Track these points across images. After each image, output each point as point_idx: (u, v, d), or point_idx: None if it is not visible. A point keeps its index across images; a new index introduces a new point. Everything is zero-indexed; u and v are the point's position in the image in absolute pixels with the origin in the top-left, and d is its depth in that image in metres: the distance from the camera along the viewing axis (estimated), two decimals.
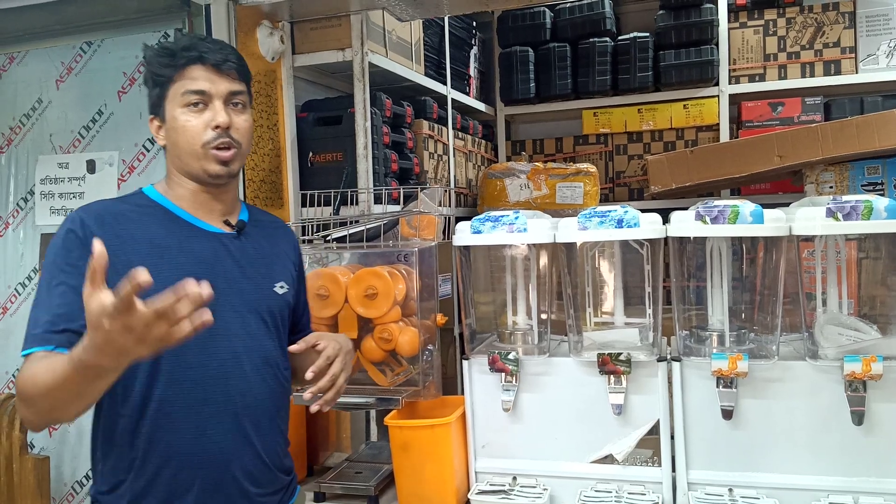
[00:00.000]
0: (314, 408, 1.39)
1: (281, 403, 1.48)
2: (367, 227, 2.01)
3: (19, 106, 2.58)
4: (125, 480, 1.33)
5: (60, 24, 2.38)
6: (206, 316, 1.06)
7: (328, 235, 2.00)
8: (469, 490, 1.73)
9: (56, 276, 1.29)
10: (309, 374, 1.38)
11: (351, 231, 1.99)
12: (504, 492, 1.68)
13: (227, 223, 1.47)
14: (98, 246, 1.02)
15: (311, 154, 2.39)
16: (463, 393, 1.79)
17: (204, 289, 1.03)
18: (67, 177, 2.51)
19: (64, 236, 1.32)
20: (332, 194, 2.16)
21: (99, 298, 1.01)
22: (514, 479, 1.72)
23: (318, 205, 2.18)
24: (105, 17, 2.33)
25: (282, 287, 1.51)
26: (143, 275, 0.99)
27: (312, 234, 2.02)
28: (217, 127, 1.39)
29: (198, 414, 1.34)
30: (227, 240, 1.45)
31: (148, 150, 2.15)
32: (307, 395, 1.40)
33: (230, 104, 1.42)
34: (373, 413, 2.21)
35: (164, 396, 1.32)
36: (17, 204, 2.60)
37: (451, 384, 2.10)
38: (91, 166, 2.48)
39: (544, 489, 1.68)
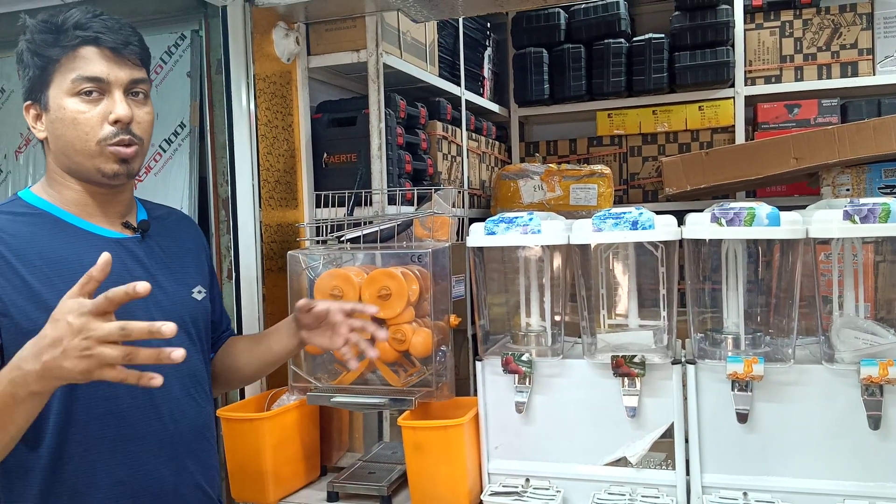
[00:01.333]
0: (353, 364, 1.28)
1: (211, 423, 1.37)
2: (381, 227, 2.01)
3: None
4: None
5: None
6: (156, 381, 0.96)
7: (342, 236, 2.00)
8: (482, 491, 1.73)
9: None
10: (88, 302, 0.98)
11: (365, 232, 2.00)
12: (517, 493, 1.68)
13: (126, 226, 1.29)
14: (105, 257, 0.98)
15: (325, 155, 2.40)
16: (476, 394, 1.79)
17: (166, 329, 0.94)
18: None
19: None
20: (346, 195, 2.16)
21: (79, 299, 0.96)
22: (527, 480, 1.72)
23: (333, 205, 2.19)
24: (124, 18, 2.34)
25: (199, 292, 1.38)
26: (143, 287, 0.96)
27: (326, 235, 2.03)
28: (117, 121, 1.20)
29: (125, 452, 1.19)
30: (131, 245, 1.28)
31: (164, 151, 2.17)
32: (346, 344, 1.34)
33: (130, 94, 1.23)
34: (385, 413, 2.21)
35: (85, 437, 1.15)
36: None
37: (464, 385, 2.10)
38: None
39: (557, 491, 1.67)
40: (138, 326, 0.94)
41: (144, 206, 1.39)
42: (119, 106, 1.20)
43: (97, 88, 1.20)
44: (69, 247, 1.20)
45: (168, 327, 0.94)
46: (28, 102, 1.24)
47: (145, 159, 1.30)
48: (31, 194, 1.27)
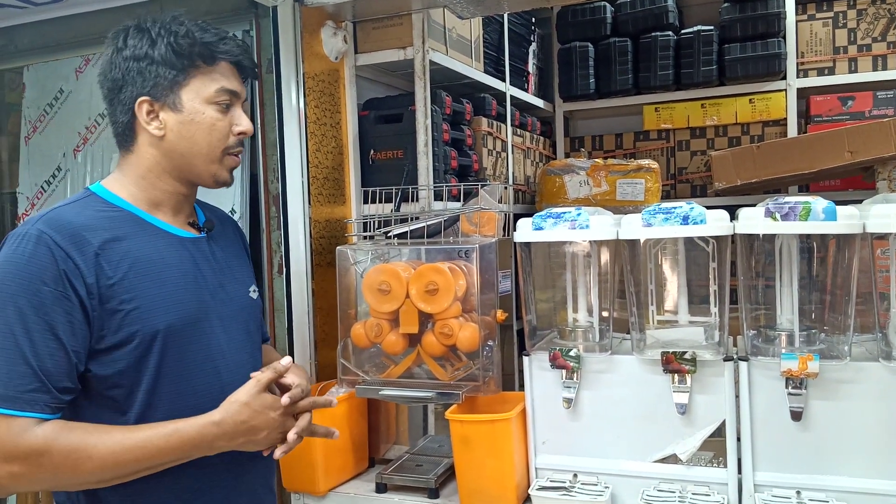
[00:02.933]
0: (277, 453, 1.25)
1: None
2: (428, 223, 2.03)
3: (94, 106, 2.69)
4: None
5: None
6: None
7: (389, 231, 2.03)
8: (529, 486, 1.74)
9: (35, 318, 1.11)
10: (286, 400, 1.23)
11: (411, 227, 2.01)
12: (565, 488, 1.68)
13: (192, 225, 1.34)
14: (287, 360, 1.29)
15: (372, 151, 2.42)
16: (522, 389, 1.79)
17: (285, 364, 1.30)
18: None
19: (32, 261, 1.12)
20: (393, 191, 2.18)
21: (273, 397, 1.23)
22: (575, 476, 1.72)
23: (379, 201, 2.21)
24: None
25: (254, 291, 1.43)
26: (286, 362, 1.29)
27: (374, 231, 2.05)
28: (241, 133, 1.30)
29: None
30: (200, 245, 1.33)
31: None
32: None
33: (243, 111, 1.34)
34: (430, 407, 2.23)
35: (165, 416, 1.21)
36: None
37: (510, 381, 2.10)
38: None
39: (606, 487, 1.67)
40: (300, 405, 1.28)
41: (198, 206, 1.43)
42: (244, 120, 1.32)
43: (230, 101, 1.30)
44: (149, 246, 1.24)
45: (283, 364, 1.29)
46: (147, 98, 1.26)
47: None
48: (105, 190, 1.29)
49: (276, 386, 1.28)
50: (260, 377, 1.23)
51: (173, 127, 1.26)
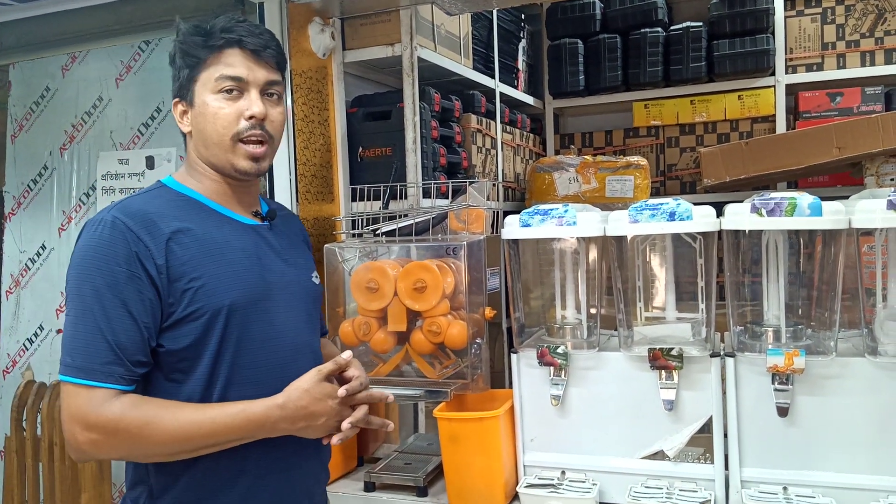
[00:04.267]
0: (335, 440, 1.31)
1: None
2: (416, 220, 2.02)
3: (81, 104, 2.68)
4: (180, 480, 1.27)
5: (119, 24, 2.45)
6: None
7: (377, 229, 2.02)
8: (517, 483, 1.73)
9: (111, 296, 1.19)
10: (342, 392, 1.30)
11: (400, 225, 2.01)
12: (553, 486, 1.68)
13: (256, 214, 1.41)
14: (347, 354, 1.33)
15: (360, 149, 2.42)
16: (511, 386, 1.79)
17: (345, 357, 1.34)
18: (127, 172, 2.60)
19: (109, 245, 1.20)
20: (382, 188, 2.18)
21: (332, 385, 1.29)
22: (563, 473, 1.72)
23: (368, 199, 2.20)
24: (163, 17, 2.39)
25: (316, 277, 1.49)
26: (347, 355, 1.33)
27: (362, 228, 2.05)
28: (252, 117, 1.30)
29: None
30: (264, 231, 1.40)
31: None
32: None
33: (265, 94, 1.33)
34: (421, 405, 2.23)
35: (223, 397, 1.27)
36: (80, 199, 2.70)
37: (499, 378, 2.10)
38: (150, 162, 2.56)
39: (593, 484, 1.67)
40: (357, 397, 1.34)
41: (263, 200, 1.49)
42: (255, 104, 1.30)
43: (237, 87, 1.30)
44: (218, 230, 1.31)
45: (345, 357, 1.34)
46: (176, 99, 1.36)
47: (272, 159, 1.40)
48: (174, 181, 1.37)
49: (337, 379, 1.34)
50: (321, 368, 1.30)
51: (192, 122, 1.34)
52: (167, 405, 1.22)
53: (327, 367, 1.30)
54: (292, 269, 1.42)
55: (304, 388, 1.27)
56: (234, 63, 1.30)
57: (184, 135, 1.39)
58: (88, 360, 1.17)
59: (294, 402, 1.25)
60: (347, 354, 1.34)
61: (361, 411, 1.33)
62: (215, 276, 1.26)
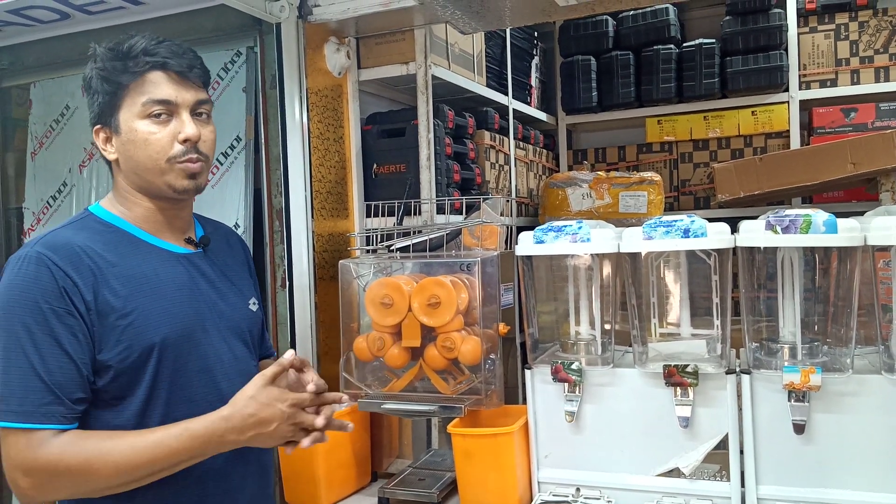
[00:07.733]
0: (306, 442, 1.26)
1: None
2: (430, 237, 2.03)
3: None
4: None
5: None
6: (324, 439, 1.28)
7: (392, 245, 2.03)
8: (531, 500, 1.73)
9: (41, 334, 1.15)
10: (311, 387, 1.27)
11: (414, 241, 2.02)
12: (567, 502, 1.68)
13: (188, 241, 1.37)
14: (290, 353, 1.27)
15: (375, 165, 2.44)
16: (524, 402, 1.79)
17: (288, 359, 1.28)
18: None
19: (34, 282, 1.16)
20: (396, 205, 2.19)
21: (281, 390, 1.23)
22: (578, 489, 1.71)
23: (382, 215, 2.22)
24: (182, 37, 2.42)
25: (254, 304, 1.45)
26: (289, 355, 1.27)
27: (376, 244, 2.06)
28: (186, 140, 1.26)
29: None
30: (196, 260, 1.35)
31: (221, 164, 2.23)
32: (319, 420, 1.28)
33: (195, 114, 1.30)
34: (434, 421, 2.23)
35: (163, 421, 1.22)
36: None
37: (513, 393, 2.10)
38: None
39: (608, 501, 1.66)
40: (303, 397, 1.25)
41: (200, 222, 1.45)
42: (188, 126, 1.27)
43: (166, 110, 1.27)
44: (146, 263, 1.27)
45: (287, 358, 1.27)
46: (98, 126, 1.31)
47: (207, 176, 1.36)
48: (102, 210, 1.33)
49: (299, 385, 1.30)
50: (265, 372, 1.25)
51: (120, 149, 1.29)
52: (109, 436, 1.18)
53: (271, 370, 1.24)
54: (230, 297, 1.38)
55: (250, 394, 1.21)
56: (161, 86, 1.26)
57: (108, 162, 1.33)
58: (24, 403, 1.13)
59: (240, 412, 1.20)
60: (290, 354, 1.29)
61: (328, 410, 1.28)
62: (144, 313, 1.22)
